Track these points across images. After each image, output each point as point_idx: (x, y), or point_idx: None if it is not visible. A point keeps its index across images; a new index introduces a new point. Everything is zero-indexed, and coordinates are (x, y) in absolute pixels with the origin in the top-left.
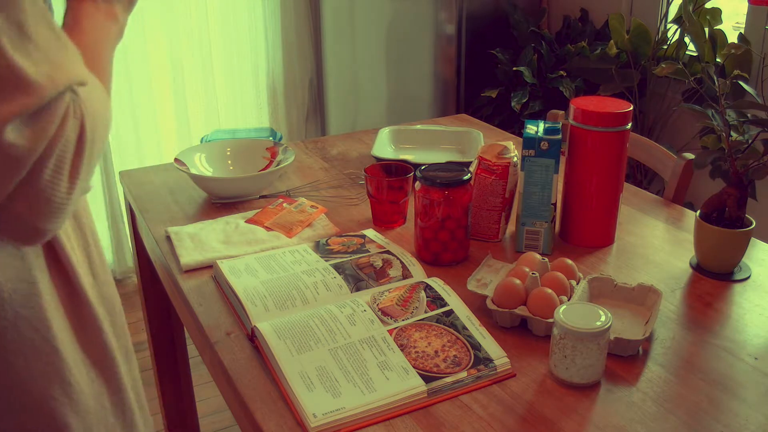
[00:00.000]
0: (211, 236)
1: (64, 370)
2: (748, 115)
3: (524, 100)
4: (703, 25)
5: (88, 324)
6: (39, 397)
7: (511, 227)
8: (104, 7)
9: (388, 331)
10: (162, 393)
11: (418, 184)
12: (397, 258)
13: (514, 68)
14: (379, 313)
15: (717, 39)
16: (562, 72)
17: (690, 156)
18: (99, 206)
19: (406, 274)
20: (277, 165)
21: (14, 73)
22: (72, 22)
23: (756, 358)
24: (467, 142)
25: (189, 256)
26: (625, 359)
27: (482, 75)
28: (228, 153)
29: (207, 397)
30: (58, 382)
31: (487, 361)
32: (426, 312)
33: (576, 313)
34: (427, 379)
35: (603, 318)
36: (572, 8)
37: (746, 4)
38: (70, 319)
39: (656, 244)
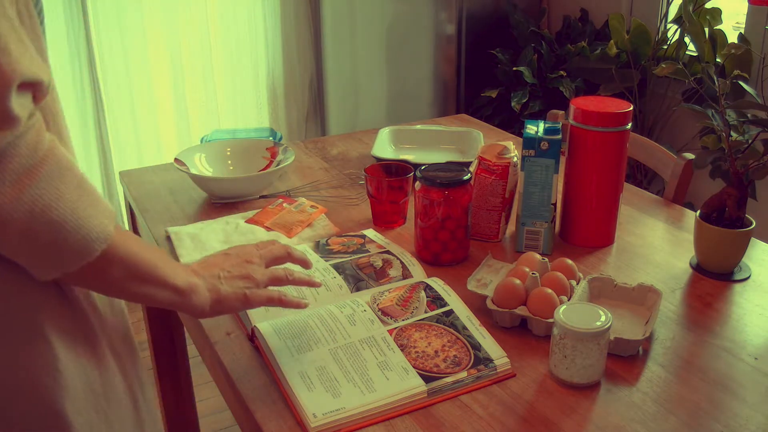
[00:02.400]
0: (211, 236)
1: (53, 357)
2: (748, 115)
3: (524, 100)
4: (703, 25)
5: (74, 305)
6: (30, 384)
7: (511, 227)
8: (184, 283)
9: (388, 331)
10: (162, 393)
11: (418, 184)
12: (397, 258)
13: (514, 68)
14: (379, 313)
15: (717, 39)
16: (562, 72)
17: (690, 156)
18: None
19: (406, 274)
20: (277, 165)
21: None
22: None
23: (756, 358)
24: (467, 142)
25: (189, 256)
26: (625, 359)
27: (482, 75)
28: (228, 153)
29: (207, 397)
30: (48, 368)
31: (487, 361)
32: (426, 312)
33: (576, 313)
34: (427, 379)
35: (603, 318)
36: (572, 8)
37: (746, 4)
38: (55, 301)
39: (656, 244)
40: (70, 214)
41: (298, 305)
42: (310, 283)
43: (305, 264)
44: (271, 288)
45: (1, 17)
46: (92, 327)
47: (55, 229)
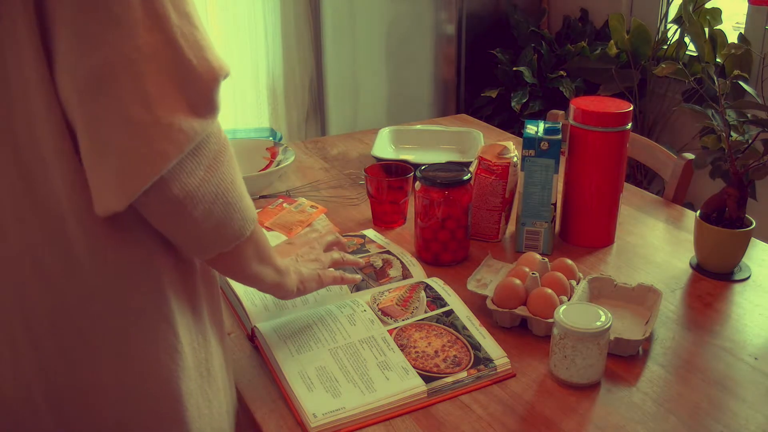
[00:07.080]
0: None
1: (173, 338)
2: (748, 115)
3: (524, 100)
4: (703, 25)
5: (193, 291)
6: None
7: (511, 227)
8: (282, 264)
9: (388, 331)
10: None
11: (418, 184)
12: (397, 258)
13: (514, 68)
14: (379, 313)
15: (717, 39)
16: (562, 72)
17: (690, 156)
18: None
19: (406, 274)
20: (277, 165)
21: (186, 66)
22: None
23: (756, 358)
24: (467, 142)
25: None
26: (625, 359)
27: (482, 75)
28: None
29: None
30: (168, 349)
31: (487, 361)
32: (426, 312)
33: (576, 313)
34: (427, 379)
35: (603, 318)
36: (572, 8)
37: (746, 4)
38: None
39: (656, 244)
40: (238, 197)
41: (353, 281)
42: (357, 263)
43: (346, 249)
44: (332, 269)
45: (196, 14)
46: (201, 305)
47: (228, 210)
